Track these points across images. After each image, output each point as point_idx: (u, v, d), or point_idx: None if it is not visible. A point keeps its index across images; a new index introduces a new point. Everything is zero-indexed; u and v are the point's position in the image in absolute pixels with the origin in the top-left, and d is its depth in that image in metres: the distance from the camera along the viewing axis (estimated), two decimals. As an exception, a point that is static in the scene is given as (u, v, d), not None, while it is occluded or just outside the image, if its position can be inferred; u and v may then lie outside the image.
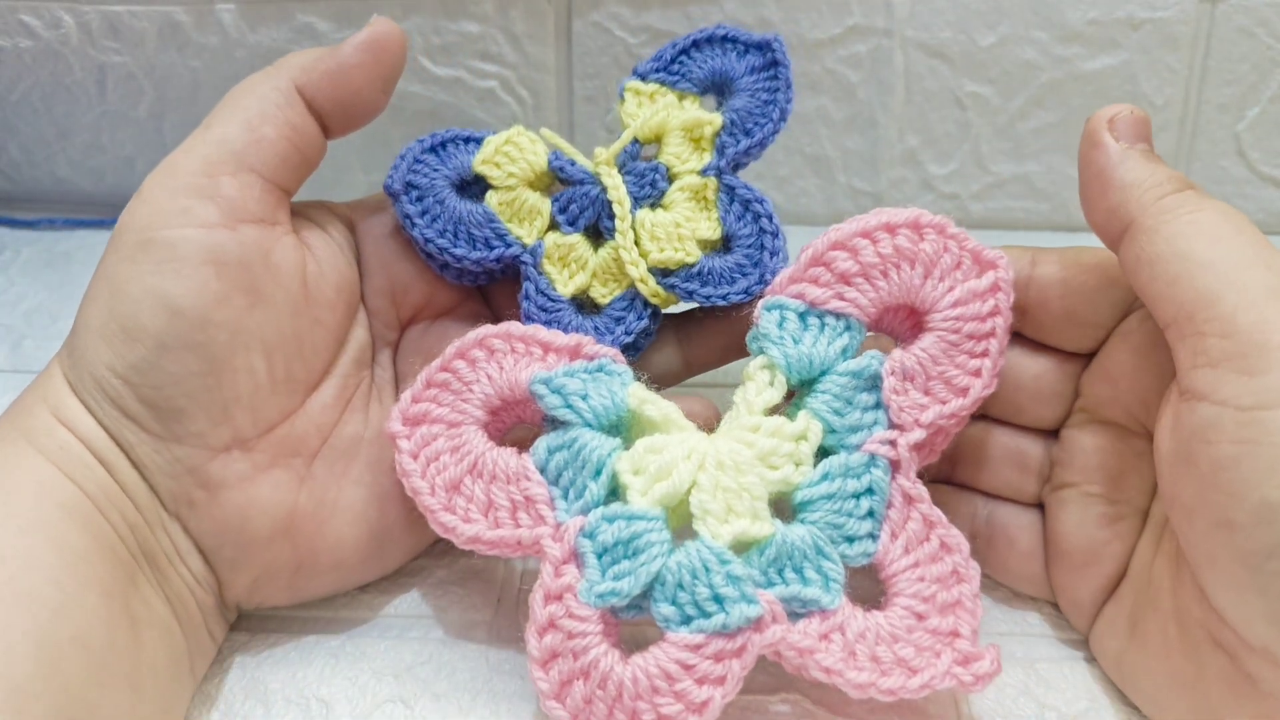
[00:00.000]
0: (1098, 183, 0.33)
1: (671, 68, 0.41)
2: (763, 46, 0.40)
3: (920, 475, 0.35)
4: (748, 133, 0.39)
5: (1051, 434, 0.37)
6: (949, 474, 0.39)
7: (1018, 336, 0.37)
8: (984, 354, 0.35)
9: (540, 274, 0.39)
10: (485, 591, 0.38)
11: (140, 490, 0.33)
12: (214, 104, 0.36)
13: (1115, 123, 0.33)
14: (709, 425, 0.36)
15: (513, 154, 0.40)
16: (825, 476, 0.34)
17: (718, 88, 0.41)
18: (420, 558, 0.39)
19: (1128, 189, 0.32)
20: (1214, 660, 0.30)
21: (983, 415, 0.38)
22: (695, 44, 0.41)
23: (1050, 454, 0.37)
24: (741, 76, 0.40)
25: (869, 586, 0.35)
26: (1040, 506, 0.38)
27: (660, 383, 0.37)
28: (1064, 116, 0.54)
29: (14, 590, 0.29)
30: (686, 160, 0.40)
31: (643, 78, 0.41)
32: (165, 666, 0.32)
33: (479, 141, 0.40)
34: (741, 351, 0.37)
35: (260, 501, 0.34)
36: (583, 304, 0.40)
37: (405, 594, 0.38)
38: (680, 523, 0.34)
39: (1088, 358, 0.36)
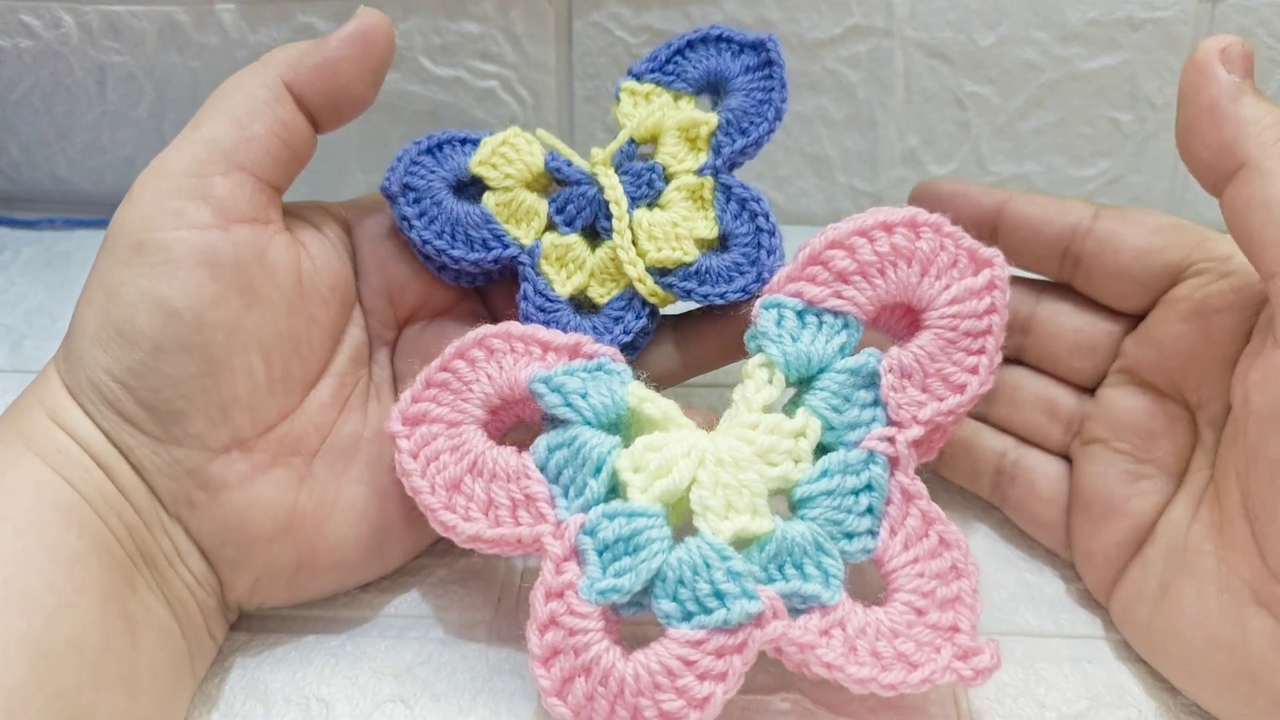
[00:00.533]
0: (1208, 117, 0.32)
1: (667, 68, 0.41)
2: (757, 46, 0.40)
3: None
4: (743, 132, 0.39)
5: (1084, 390, 0.38)
6: (984, 412, 0.40)
7: (1065, 289, 0.38)
8: (981, 351, 0.35)
9: (538, 274, 0.39)
10: (485, 591, 0.38)
11: (139, 492, 0.33)
12: (214, 104, 0.36)
13: (1227, 54, 0.32)
14: (707, 425, 0.36)
15: (509, 155, 0.40)
16: (824, 473, 0.34)
17: (713, 88, 0.41)
18: (420, 557, 0.39)
19: (1243, 126, 0.31)
20: (1260, 623, 0.31)
21: (1019, 361, 0.39)
22: (690, 44, 0.41)
23: (1082, 409, 0.38)
24: (736, 76, 0.40)
25: (869, 583, 0.35)
26: (1068, 460, 0.38)
27: (659, 384, 0.37)
28: (1064, 116, 0.53)
29: (9, 594, 0.29)
30: (683, 160, 0.40)
31: (638, 78, 0.41)
32: (164, 668, 0.32)
33: (475, 143, 0.40)
34: (740, 352, 0.37)
35: (261, 501, 0.34)
36: (581, 304, 0.40)
37: (405, 594, 0.38)
38: (680, 520, 0.34)
39: (1130, 320, 0.37)
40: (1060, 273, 0.38)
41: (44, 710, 0.28)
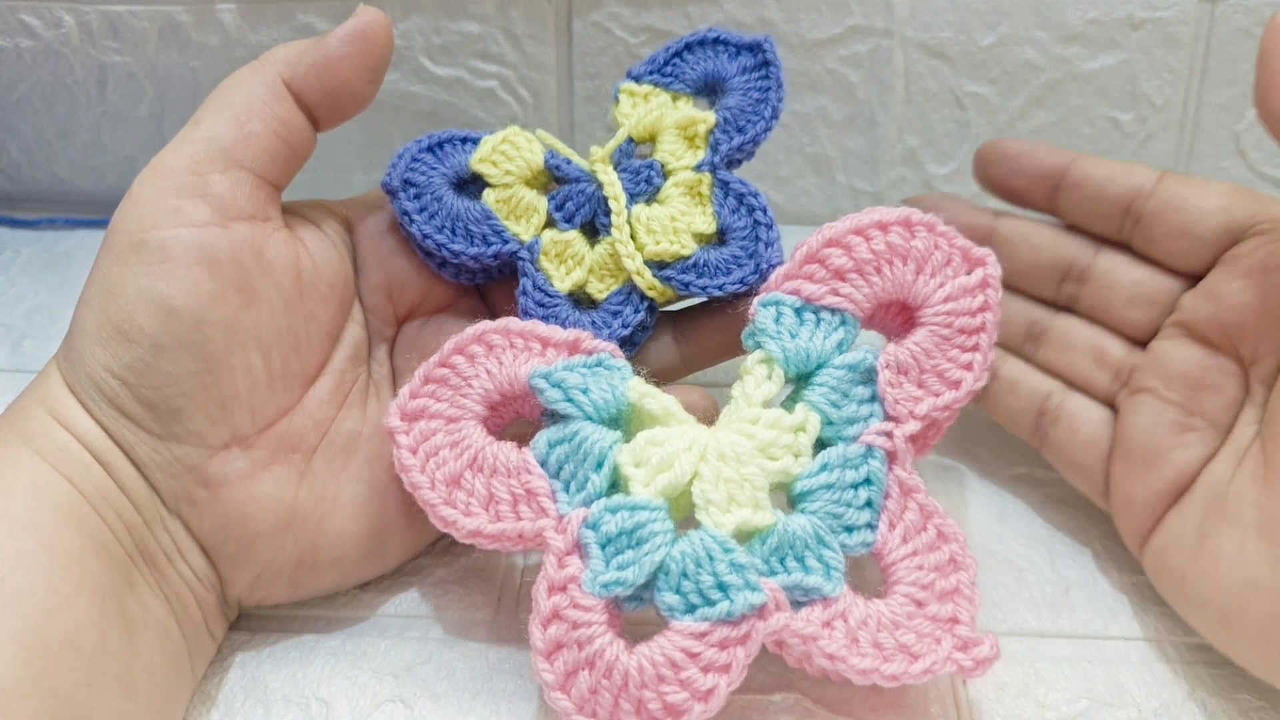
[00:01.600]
0: None
1: (665, 70, 0.42)
2: (754, 48, 0.41)
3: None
4: (741, 130, 0.40)
5: (1135, 343, 0.39)
6: (1033, 355, 0.41)
7: (1124, 246, 0.39)
8: (975, 348, 0.36)
9: (537, 270, 0.39)
10: (485, 590, 0.38)
11: (140, 489, 0.33)
12: (215, 104, 0.36)
13: None
14: (707, 418, 0.36)
15: (509, 152, 0.40)
16: (824, 467, 0.35)
17: (710, 88, 0.42)
18: (420, 556, 0.39)
19: None
20: None
21: (1071, 310, 0.40)
22: (688, 46, 0.42)
23: (1132, 359, 0.38)
24: (734, 76, 0.41)
25: (868, 578, 0.35)
26: (1113, 409, 0.39)
27: (658, 380, 0.37)
28: (1064, 116, 0.53)
29: (4, 592, 0.29)
30: (681, 157, 0.40)
31: (637, 80, 0.42)
32: (161, 667, 0.32)
33: (476, 142, 0.40)
34: (738, 349, 0.37)
35: (261, 498, 0.34)
36: (580, 300, 0.40)
37: (405, 593, 0.38)
38: (680, 515, 0.34)
39: (1188, 278, 0.38)
40: (1120, 232, 0.39)
41: (39, 709, 0.28)
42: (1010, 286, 0.41)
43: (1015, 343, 0.41)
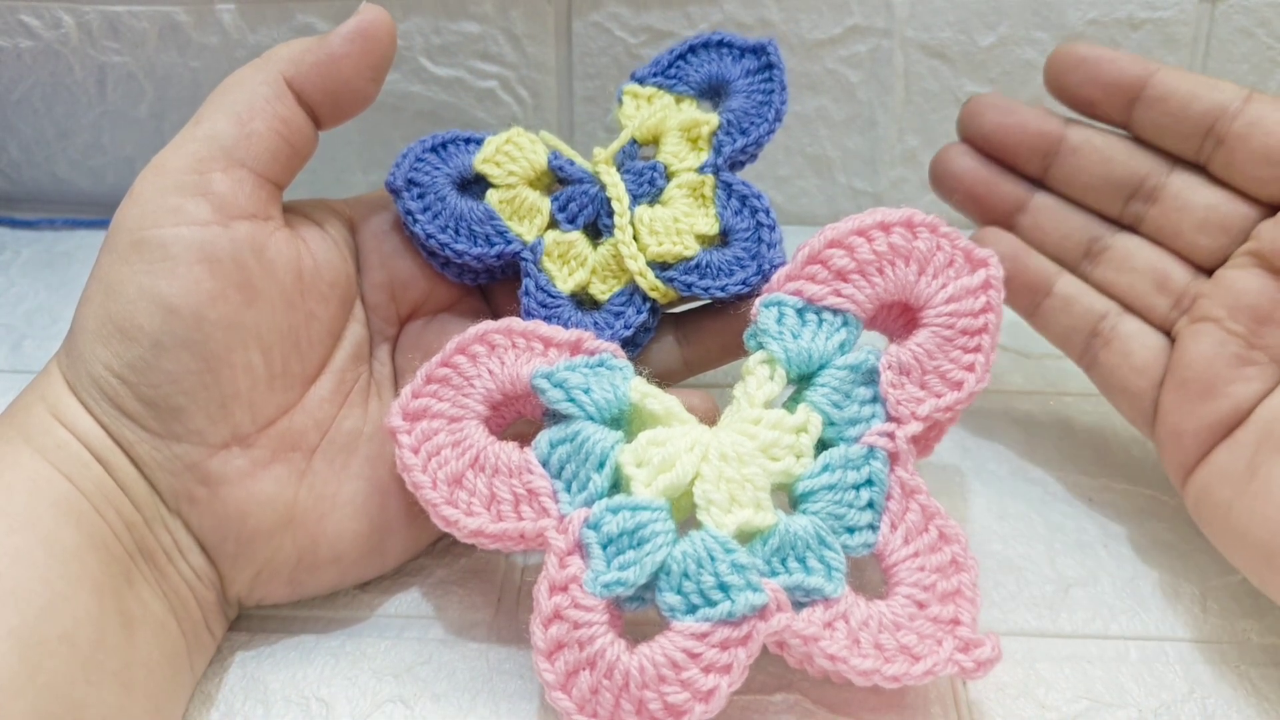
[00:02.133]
0: None
1: (669, 72, 0.42)
2: (758, 50, 0.41)
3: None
4: (744, 131, 0.40)
5: (1200, 270, 0.38)
6: (1089, 273, 0.39)
7: (1200, 169, 0.38)
8: (977, 349, 0.36)
9: (540, 271, 0.39)
10: (485, 591, 0.38)
11: (139, 487, 0.33)
12: (215, 105, 0.36)
13: None
14: (708, 420, 0.36)
15: (513, 153, 0.40)
16: (826, 468, 0.35)
17: (714, 91, 0.42)
18: (420, 556, 0.39)
19: None
20: None
21: (1135, 231, 0.39)
22: (692, 49, 0.42)
23: (1196, 286, 0.37)
24: (737, 79, 0.41)
25: (868, 580, 0.35)
26: (1169, 336, 0.38)
27: (661, 381, 0.37)
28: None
29: (2, 588, 0.29)
30: (684, 159, 0.40)
31: (641, 82, 0.42)
32: (160, 664, 0.32)
33: (479, 142, 0.41)
34: (740, 351, 0.37)
35: (261, 497, 0.34)
36: (582, 301, 0.40)
37: (405, 593, 0.38)
38: (681, 516, 0.34)
39: (1267, 208, 0.36)
40: (1199, 153, 0.38)
41: (34, 704, 0.28)
42: (1074, 199, 0.40)
43: (1073, 258, 0.40)
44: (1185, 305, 0.38)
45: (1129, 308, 0.39)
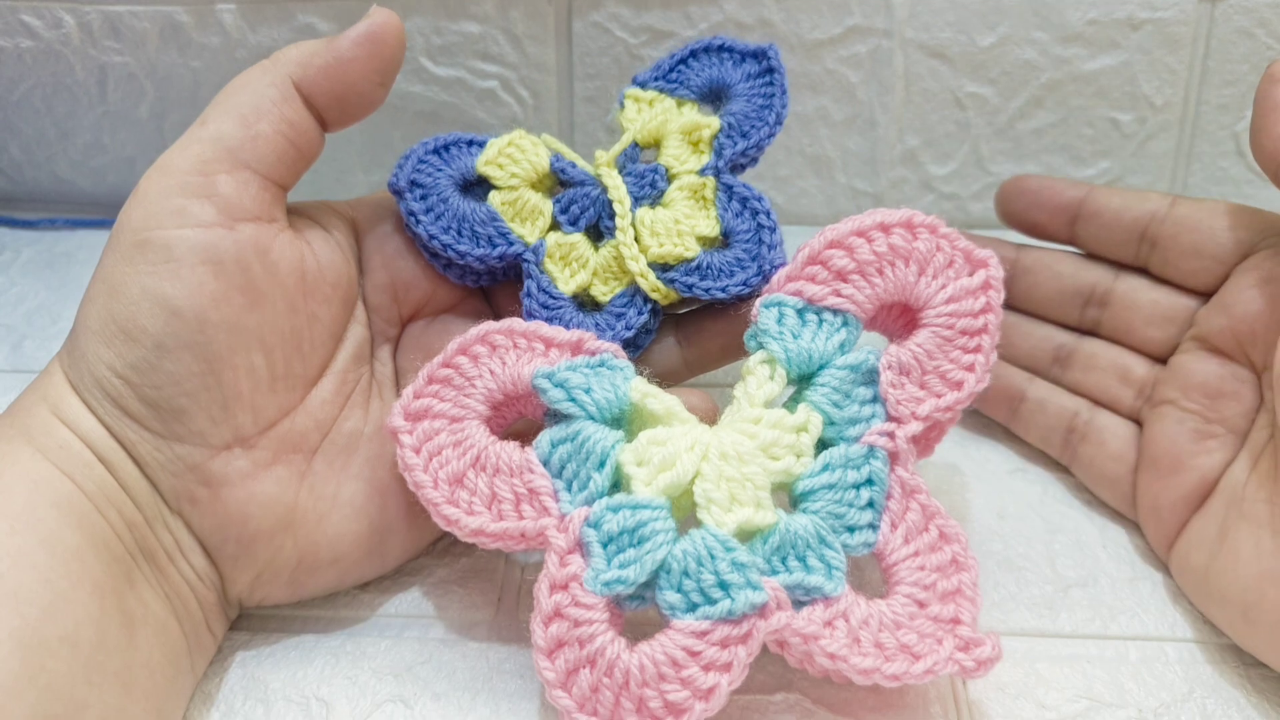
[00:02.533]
0: (1276, 113, 0.36)
1: (670, 76, 0.42)
2: (758, 55, 0.42)
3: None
4: (745, 135, 0.40)
5: (1157, 360, 0.41)
6: (1060, 377, 0.43)
7: (1142, 271, 0.41)
8: (977, 349, 0.36)
9: (542, 272, 0.39)
10: (485, 590, 0.38)
11: (141, 488, 0.33)
12: (215, 105, 0.36)
13: None
14: (708, 420, 0.36)
15: (515, 155, 0.40)
16: (826, 467, 0.35)
17: (715, 95, 0.42)
18: (420, 556, 0.39)
19: None
20: None
21: (1095, 334, 0.42)
22: (693, 54, 0.43)
23: (1154, 374, 0.40)
24: (738, 83, 0.42)
25: (869, 581, 0.35)
26: (1138, 424, 0.40)
27: (661, 382, 0.37)
28: (1064, 116, 0.54)
29: (2, 589, 0.29)
30: (685, 161, 0.41)
31: (642, 86, 0.42)
32: (161, 664, 0.32)
33: (482, 145, 0.41)
34: (740, 352, 0.37)
35: (262, 498, 0.34)
36: (584, 302, 0.40)
37: (405, 593, 0.38)
38: (681, 515, 0.34)
39: (1203, 297, 0.39)
40: (1137, 256, 0.41)
41: (36, 705, 0.28)
42: (1037, 314, 0.43)
43: (1043, 366, 0.43)
44: (1147, 393, 0.40)
45: (1099, 403, 0.42)
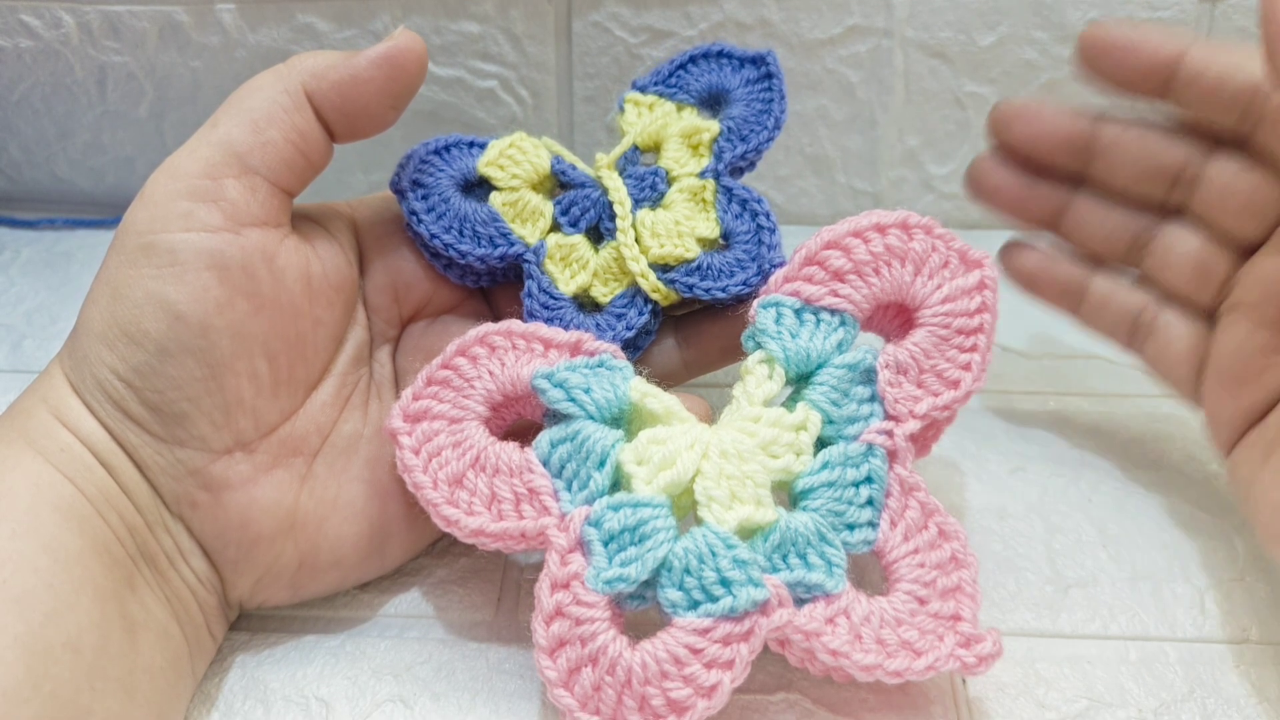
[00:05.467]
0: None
1: (669, 81, 0.43)
2: (757, 60, 0.42)
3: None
4: (744, 139, 0.40)
5: (1242, 255, 0.37)
6: (1134, 263, 0.40)
7: (1242, 147, 0.37)
8: (973, 349, 0.36)
9: (542, 273, 0.39)
10: (485, 591, 0.38)
11: (142, 491, 0.33)
12: (214, 104, 0.36)
13: None
14: (705, 421, 0.36)
15: (516, 157, 0.40)
16: (825, 465, 0.35)
17: (714, 100, 0.43)
18: (420, 557, 0.39)
19: None
20: None
21: (1180, 213, 0.39)
22: (692, 59, 0.43)
23: (1235, 272, 0.37)
24: (737, 88, 0.42)
25: (869, 581, 0.35)
26: (1211, 320, 0.38)
27: (661, 383, 0.37)
28: (1064, 116, 0.53)
29: (6, 594, 0.29)
30: (685, 164, 0.41)
31: (642, 90, 0.43)
32: (162, 668, 0.32)
33: (483, 146, 0.41)
34: (739, 353, 0.37)
35: (262, 502, 0.34)
36: (584, 303, 0.40)
37: (405, 593, 0.38)
38: (681, 515, 0.34)
39: None
40: (1237, 133, 0.37)
41: (40, 712, 0.28)
42: (1117, 195, 0.40)
43: (1120, 254, 0.40)
44: (1225, 292, 0.38)
45: (1173, 297, 0.39)
